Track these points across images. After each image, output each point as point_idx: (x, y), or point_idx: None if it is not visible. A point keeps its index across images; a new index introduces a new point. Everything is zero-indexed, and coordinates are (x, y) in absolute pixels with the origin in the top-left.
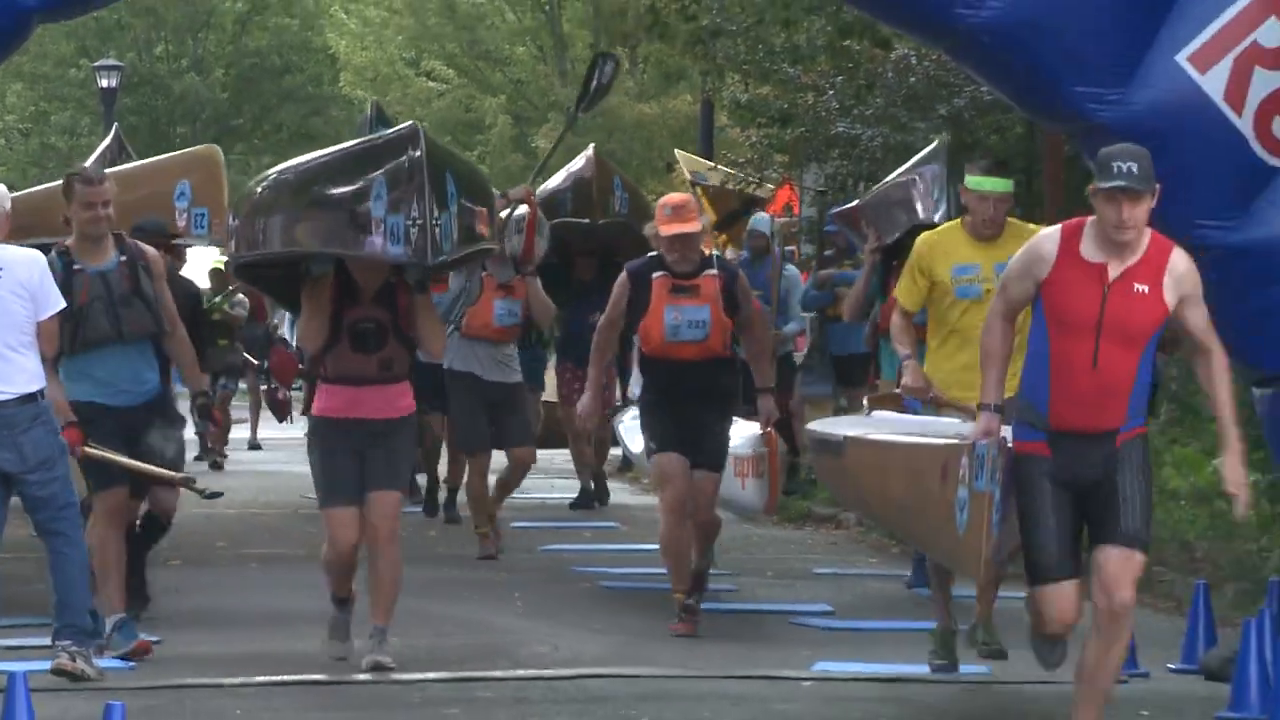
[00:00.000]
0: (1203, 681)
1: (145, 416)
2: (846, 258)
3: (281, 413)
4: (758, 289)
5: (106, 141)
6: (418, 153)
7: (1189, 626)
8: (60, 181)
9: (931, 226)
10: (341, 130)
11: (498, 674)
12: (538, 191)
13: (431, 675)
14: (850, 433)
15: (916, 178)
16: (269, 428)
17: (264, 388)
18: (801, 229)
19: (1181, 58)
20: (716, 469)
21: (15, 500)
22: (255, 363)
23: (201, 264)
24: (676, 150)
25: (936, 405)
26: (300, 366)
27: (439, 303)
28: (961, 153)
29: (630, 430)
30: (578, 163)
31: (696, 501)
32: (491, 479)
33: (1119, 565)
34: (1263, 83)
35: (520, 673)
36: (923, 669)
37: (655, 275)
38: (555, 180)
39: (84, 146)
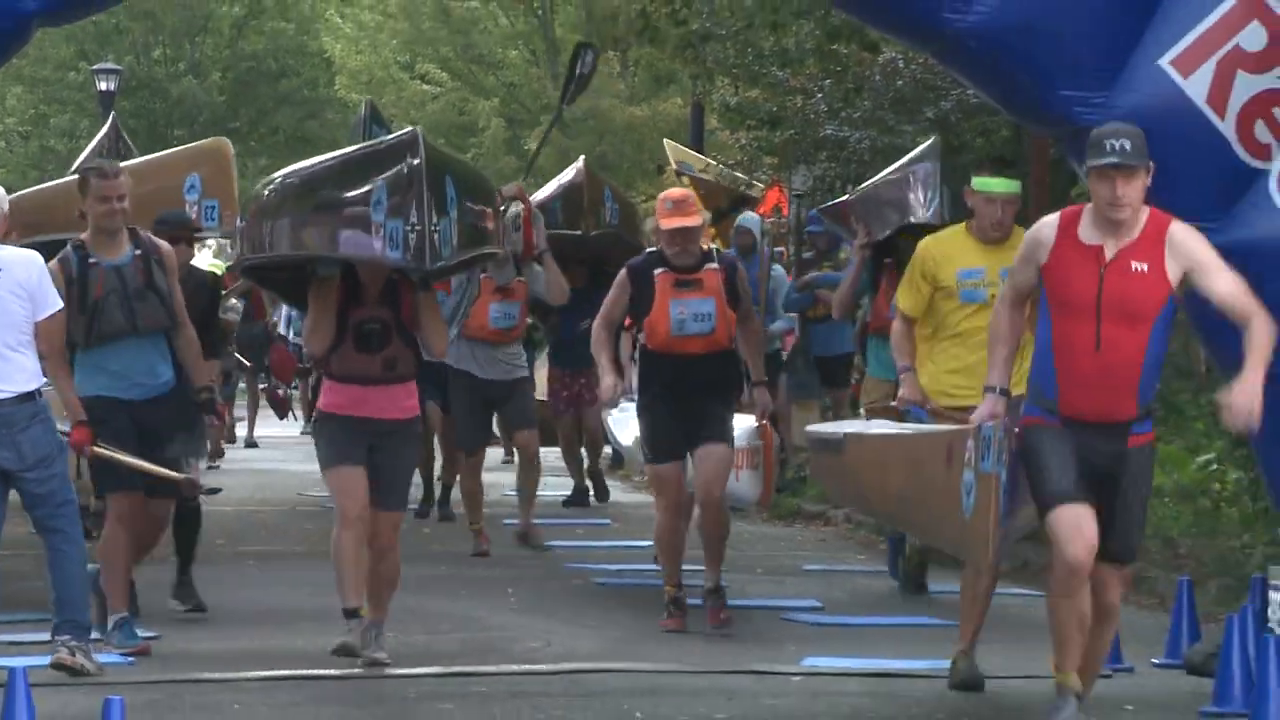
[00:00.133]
0: (1187, 676)
1: (159, 411)
2: (826, 259)
3: (281, 410)
4: None
5: (104, 130)
6: (417, 159)
7: (1173, 622)
8: (65, 179)
9: (922, 225)
10: (337, 133)
11: (492, 669)
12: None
13: (426, 670)
14: (850, 430)
15: (909, 176)
16: (266, 426)
17: (262, 386)
18: (789, 229)
19: (1165, 62)
20: (725, 441)
21: (14, 498)
22: (249, 364)
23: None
24: (665, 140)
25: (935, 416)
26: (299, 365)
27: (442, 302)
28: (950, 154)
29: (619, 423)
30: (568, 173)
31: (705, 472)
32: (488, 477)
33: (1108, 575)
34: (1245, 86)
35: (514, 668)
36: (910, 664)
37: (657, 271)
38: (546, 190)
39: (83, 149)
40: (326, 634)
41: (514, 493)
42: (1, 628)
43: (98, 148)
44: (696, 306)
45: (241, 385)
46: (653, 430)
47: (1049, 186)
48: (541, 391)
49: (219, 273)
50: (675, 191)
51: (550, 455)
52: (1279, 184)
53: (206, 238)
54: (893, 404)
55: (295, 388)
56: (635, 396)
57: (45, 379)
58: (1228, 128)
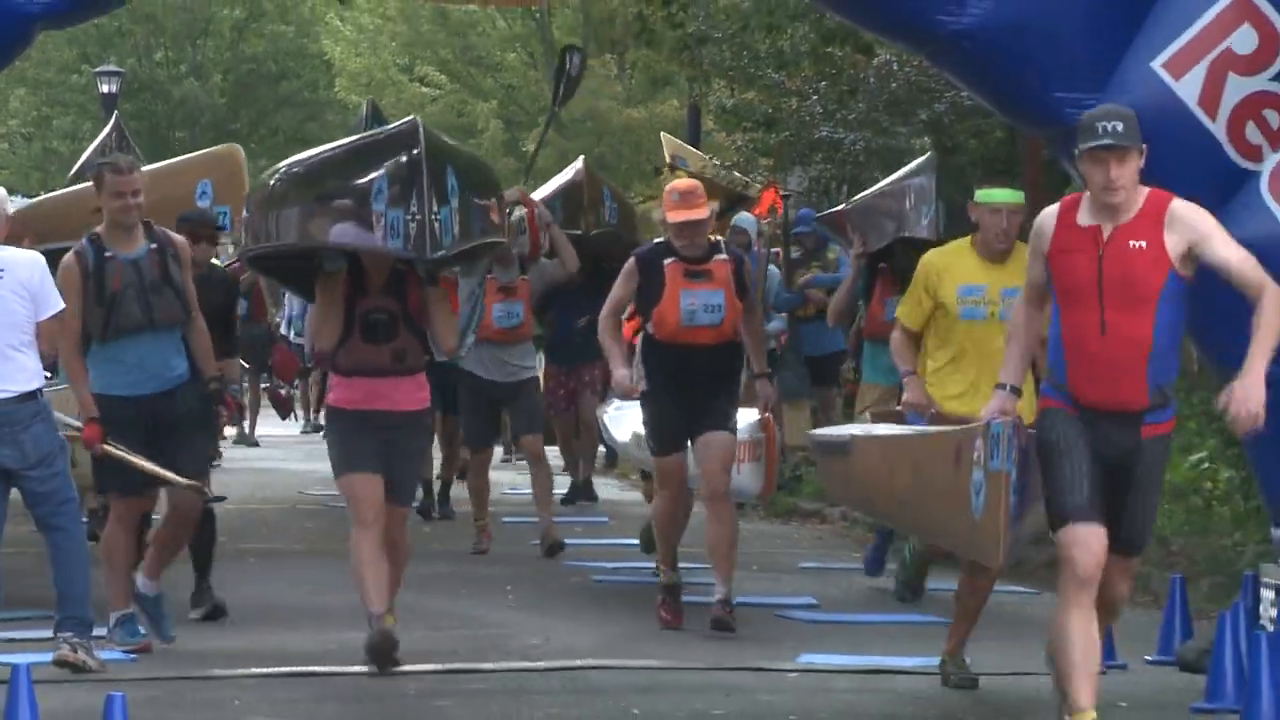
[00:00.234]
0: (1179, 673)
1: (171, 403)
2: (815, 259)
3: (284, 410)
4: None
5: (107, 131)
6: (416, 148)
7: (1165, 619)
8: (80, 186)
9: (916, 238)
10: (337, 134)
11: (490, 666)
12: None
13: (425, 667)
14: (856, 432)
15: (905, 189)
16: (266, 425)
17: (264, 385)
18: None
19: (1157, 64)
20: (729, 429)
21: (15, 495)
22: (248, 365)
23: None
24: (663, 134)
25: (937, 421)
26: (301, 364)
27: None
28: (944, 156)
29: (615, 420)
30: (569, 173)
31: (710, 459)
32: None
33: (1116, 566)
34: (1236, 88)
35: (513, 665)
36: (905, 660)
37: (666, 261)
38: (546, 189)
39: (85, 151)
40: (327, 631)
41: (514, 491)
42: (4, 625)
43: (100, 148)
44: (707, 297)
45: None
46: (657, 421)
47: (1042, 188)
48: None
49: None
50: (682, 183)
51: (549, 453)
52: (1270, 185)
53: (228, 243)
54: (897, 408)
55: (296, 387)
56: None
57: (49, 377)
58: (1219, 129)
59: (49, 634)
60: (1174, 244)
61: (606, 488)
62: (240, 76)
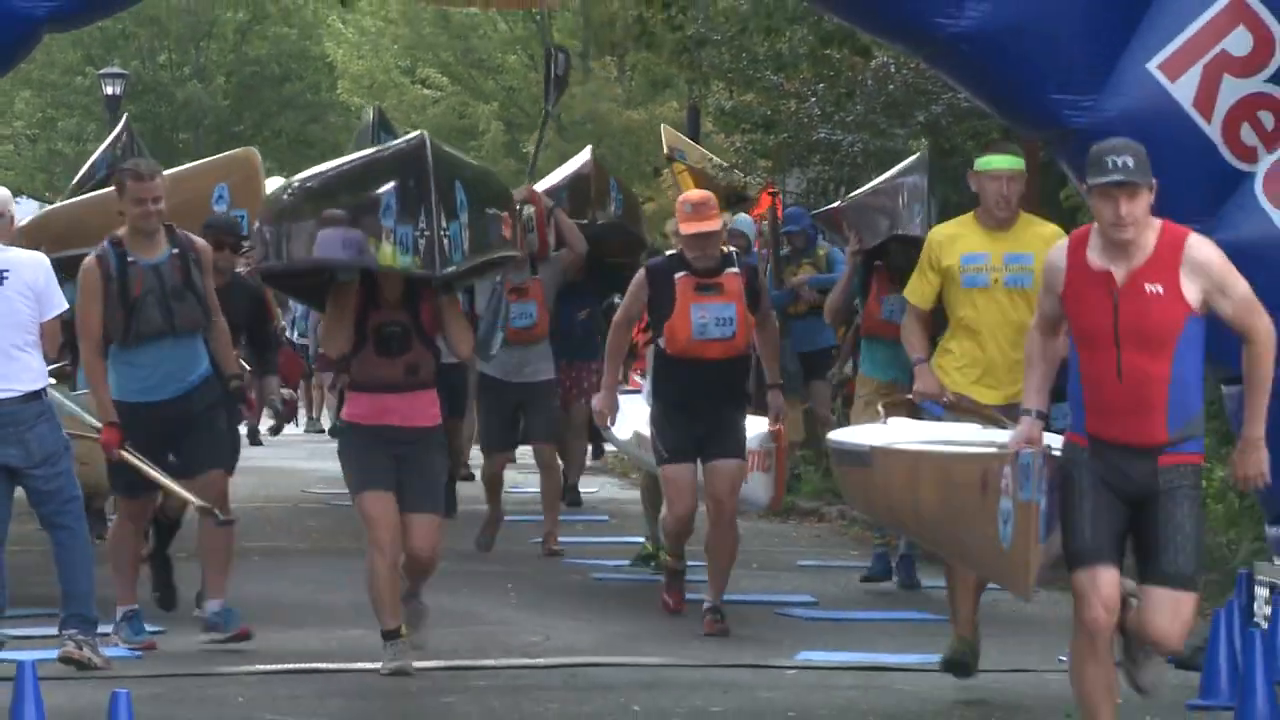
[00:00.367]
0: (1174, 670)
1: (187, 405)
2: (805, 255)
3: (288, 413)
4: None
5: (116, 131)
6: (425, 163)
7: None
8: (96, 193)
9: (911, 237)
10: (339, 136)
11: (492, 663)
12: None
13: (428, 664)
14: (876, 443)
15: (898, 188)
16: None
17: None
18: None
19: (1152, 65)
20: (738, 456)
21: (19, 494)
22: (248, 367)
23: None
24: (663, 126)
25: (951, 409)
26: (306, 366)
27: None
28: (941, 158)
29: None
30: (576, 163)
31: (718, 484)
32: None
33: (1167, 616)
34: (1231, 90)
35: (514, 662)
36: (902, 658)
37: (678, 275)
38: (553, 179)
39: (90, 152)
40: (330, 629)
41: (515, 490)
42: (10, 622)
43: (110, 148)
44: (718, 311)
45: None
46: (666, 433)
47: (1039, 189)
48: None
49: None
50: (695, 194)
51: None
52: (1264, 186)
53: (250, 249)
54: (908, 396)
55: (299, 389)
56: (649, 398)
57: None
58: (1214, 131)
59: (54, 631)
60: (1191, 289)
61: (608, 486)
62: (243, 79)
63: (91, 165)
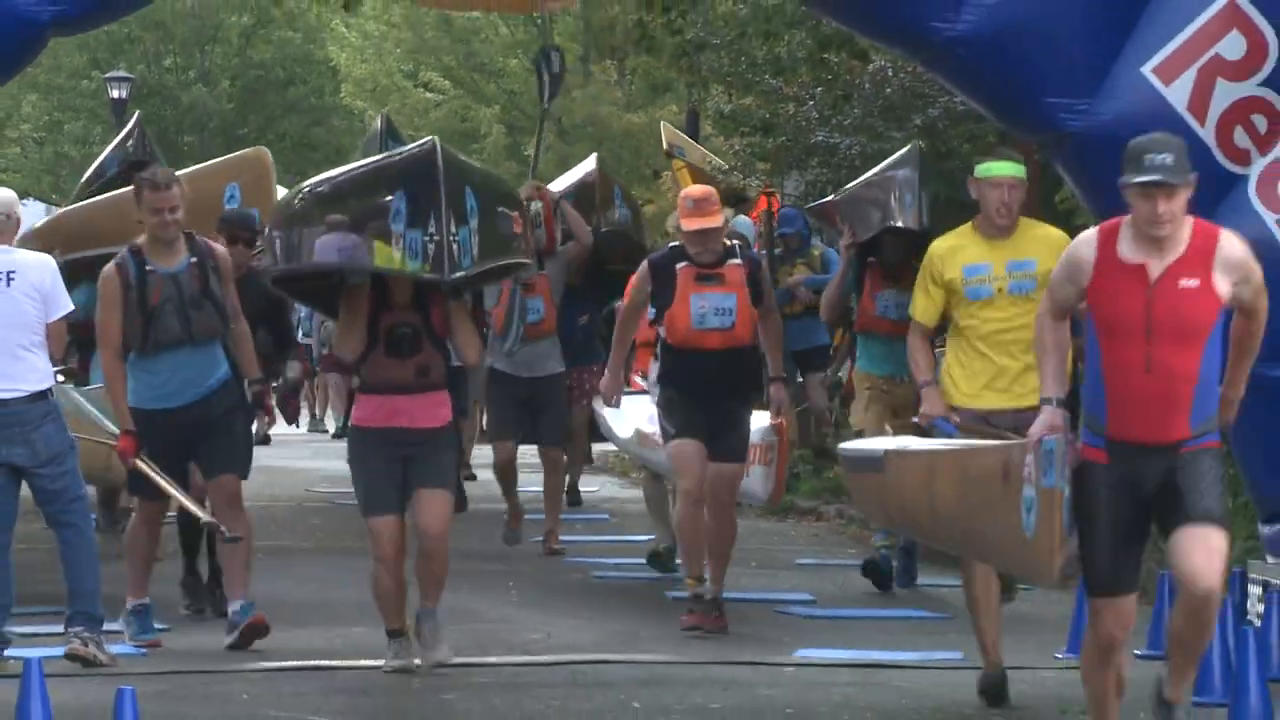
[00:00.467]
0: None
1: (205, 409)
2: (799, 255)
3: (291, 414)
4: None
5: (127, 129)
6: (435, 169)
7: (1155, 615)
8: (108, 195)
9: (903, 229)
10: (343, 139)
11: (493, 660)
12: None
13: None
14: (889, 447)
15: (889, 181)
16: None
17: (275, 385)
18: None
19: (1147, 69)
20: (738, 460)
21: (25, 493)
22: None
23: None
24: (663, 123)
25: (963, 431)
26: (310, 367)
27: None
28: (938, 160)
29: (615, 415)
30: (581, 170)
31: (715, 492)
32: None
33: (1198, 552)
34: (1224, 94)
35: (515, 659)
36: (900, 655)
37: (679, 265)
38: (558, 185)
39: (96, 155)
40: (334, 627)
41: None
42: (16, 620)
43: (120, 147)
44: (718, 301)
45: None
46: (673, 414)
47: (1035, 192)
48: None
49: None
50: (697, 189)
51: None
52: (1257, 189)
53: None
54: (915, 420)
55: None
56: (655, 389)
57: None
58: (1208, 134)
59: (60, 629)
60: (1223, 284)
61: (608, 485)
62: (248, 82)
63: (101, 163)
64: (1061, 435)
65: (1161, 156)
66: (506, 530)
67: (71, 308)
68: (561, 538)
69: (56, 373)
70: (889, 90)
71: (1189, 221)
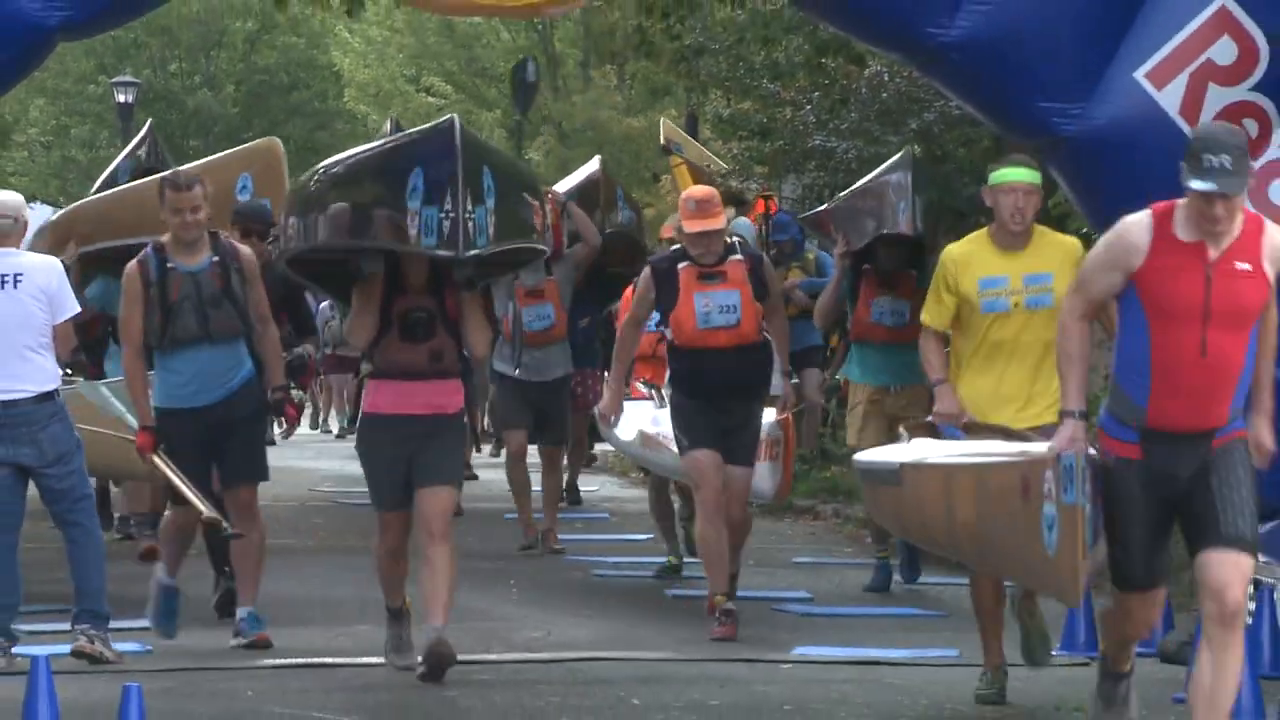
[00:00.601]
0: (1161, 664)
1: (229, 408)
2: (793, 259)
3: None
4: None
5: (140, 136)
6: (453, 145)
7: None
8: (119, 189)
9: (899, 234)
10: (346, 143)
11: (494, 658)
12: None
13: None
14: (905, 459)
15: (882, 187)
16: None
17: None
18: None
19: (1140, 74)
20: (748, 464)
21: (32, 491)
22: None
23: None
24: (662, 119)
25: (970, 430)
26: (316, 370)
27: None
28: (933, 164)
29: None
30: (584, 171)
31: (728, 496)
32: (492, 473)
33: (1227, 569)
34: (1216, 98)
35: (516, 656)
36: (896, 653)
37: (680, 266)
38: (562, 185)
39: (103, 159)
40: (337, 625)
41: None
42: (24, 618)
43: (132, 155)
44: (721, 299)
45: None
46: (687, 421)
47: None
48: None
49: None
50: (699, 190)
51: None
52: (1249, 192)
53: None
54: (928, 419)
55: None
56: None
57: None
58: None
59: (67, 627)
60: (1270, 271)
61: (608, 485)
62: (252, 87)
63: (113, 171)
64: (1082, 451)
65: (1220, 158)
66: (524, 541)
67: (78, 310)
68: (561, 536)
69: (64, 367)
70: (885, 95)
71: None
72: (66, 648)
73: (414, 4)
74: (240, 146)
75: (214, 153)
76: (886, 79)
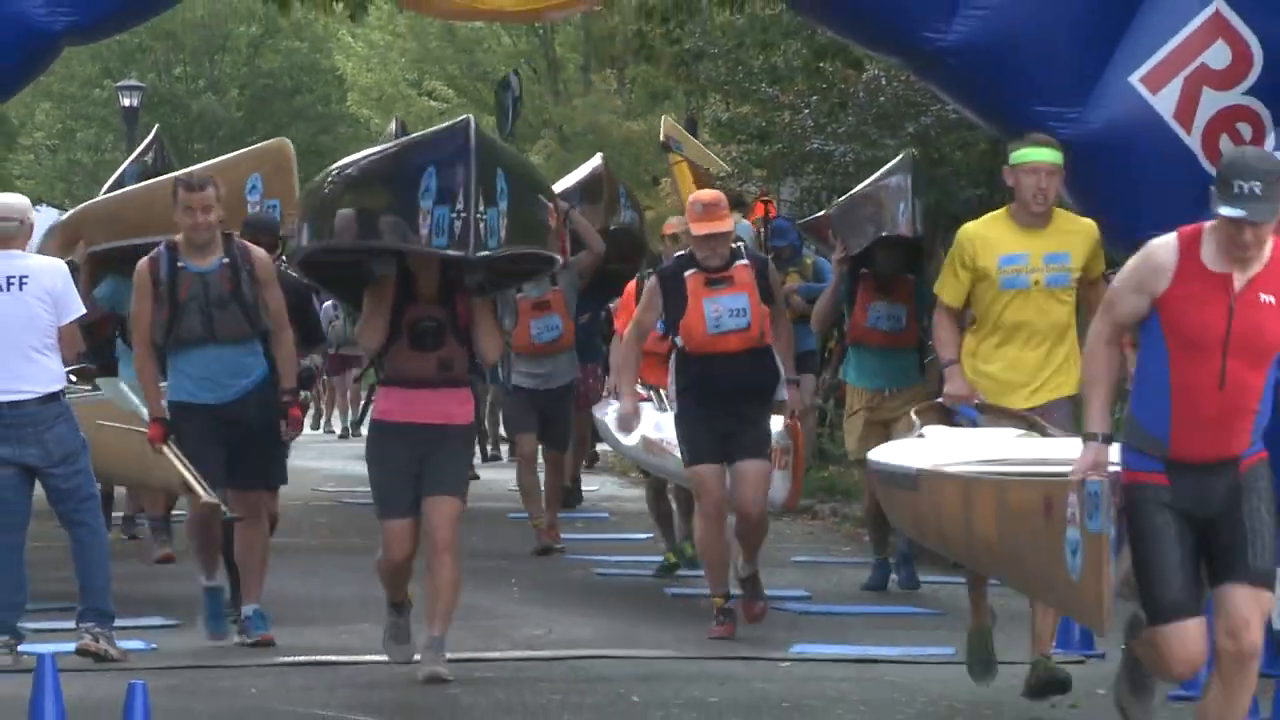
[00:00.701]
0: None
1: (246, 408)
2: (792, 263)
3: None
4: None
5: (147, 142)
6: (467, 145)
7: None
8: (130, 188)
9: (899, 239)
10: (349, 146)
11: (496, 655)
12: None
13: None
14: (922, 465)
15: (882, 190)
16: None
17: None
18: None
19: (1135, 79)
20: (763, 457)
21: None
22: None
23: None
24: (664, 116)
25: (983, 411)
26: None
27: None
28: (930, 167)
29: (617, 422)
30: (588, 167)
31: (744, 492)
32: (493, 473)
33: (1247, 606)
34: (1210, 102)
35: (517, 654)
36: (893, 650)
37: (687, 273)
38: (563, 183)
39: (108, 162)
40: (339, 623)
41: (516, 489)
42: (30, 616)
43: (139, 160)
44: (730, 303)
45: None
46: (691, 432)
47: None
48: None
49: None
50: (706, 194)
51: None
52: None
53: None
54: (939, 400)
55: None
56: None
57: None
58: (1194, 142)
59: (72, 625)
60: None
61: (607, 484)
62: (256, 91)
63: (120, 175)
64: (1107, 477)
65: (1250, 184)
66: (537, 545)
67: (83, 311)
68: (562, 535)
69: (69, 373)
70: (882, 99)
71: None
72: (72, 646)
73: (416, 9)
74: (251, 147)
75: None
76: (884, 83)
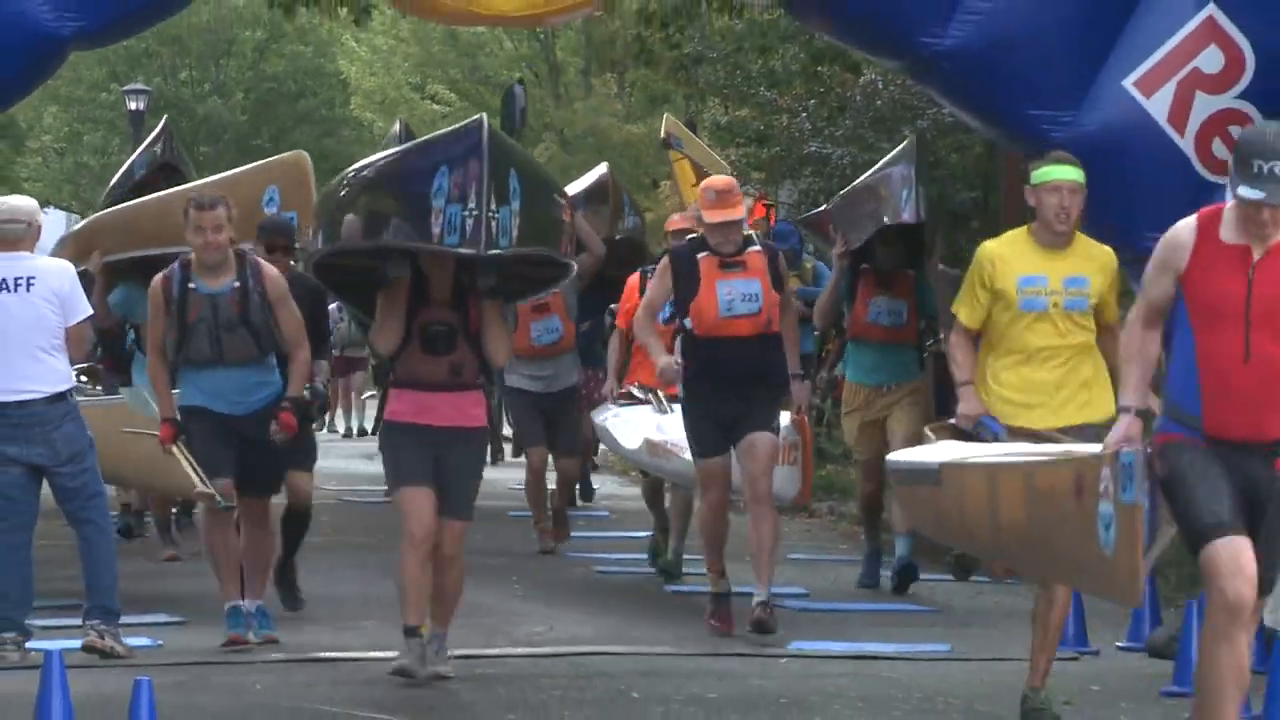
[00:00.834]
0: (1149, 659)
1: (257, 425)
2: (792, 268)
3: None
4: None
5: (155, 133)
6: (480, 144)
7: (1134, 615)
8: (143, 199)
9: (902, 226)
10: (353, 150)
11: (497, 652)
12: None
13: None
14: (944, 459)
15: (885, 180)
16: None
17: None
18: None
19: (1128, 82)
20: (771, 429)
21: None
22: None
23: None
24: (667, 114)
25: (1009, 430)
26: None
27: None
28: (928, 170)
29: (618, 427)
30: (592, 175)
31: (754, 463)
32: (494, 473)
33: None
34: (1203, 106)
35: (518, 651)
36: (890, 647)
37: (700, 256)
38: (570, 190)
39: (115, 165)
40: (342, 620)
41: (520, 487)
42: (37, 613)
43: (149, 149)
44: (743, 287)
45: None
46: (698, 425)
47: (1021, 202)
48: None
49: None
50: (719, 181)
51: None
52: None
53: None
54: (951, 422)
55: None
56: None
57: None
58: (1187, 145)
59: (78, 622)
60: None
61: (608, 483)
62: (261, 95)
63: (130, 166)
64: (1140, 448)
65: (1270, 164)
66: (541, 544)
67: (90, 312)
68: None
69: (78, 373)
70: (879, 102)
71: None
72: (78, 643)
73: (418, 14)
74: (268, 159)
75: (224, 159)
76: (881, 87)
